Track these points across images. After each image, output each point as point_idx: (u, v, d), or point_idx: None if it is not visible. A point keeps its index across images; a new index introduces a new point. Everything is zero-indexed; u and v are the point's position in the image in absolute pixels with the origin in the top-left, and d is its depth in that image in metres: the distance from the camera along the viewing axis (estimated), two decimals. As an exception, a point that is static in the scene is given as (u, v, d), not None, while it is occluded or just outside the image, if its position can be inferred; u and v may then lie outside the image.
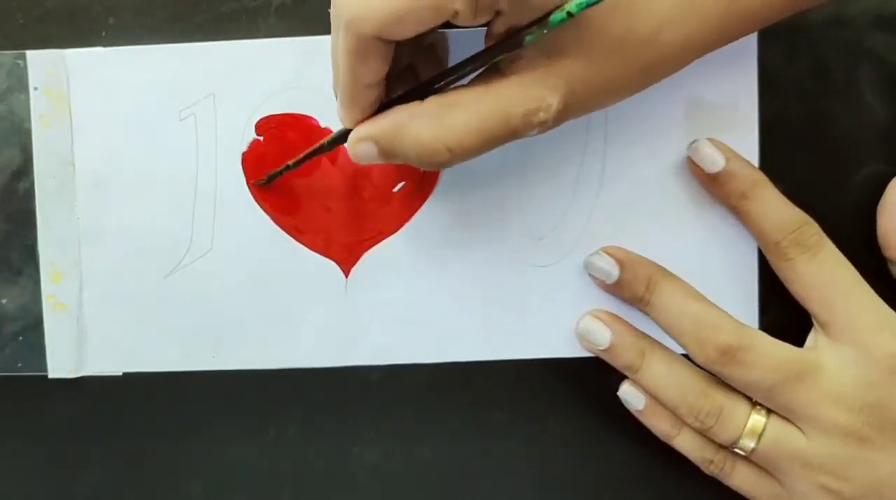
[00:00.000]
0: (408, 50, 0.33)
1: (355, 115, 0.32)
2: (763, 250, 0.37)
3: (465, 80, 0.32)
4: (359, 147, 0.32)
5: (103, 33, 0.39)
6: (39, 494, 0.40)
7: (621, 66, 0.31)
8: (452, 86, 0.32)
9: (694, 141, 0.37)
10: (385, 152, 0.32)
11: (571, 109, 0.31)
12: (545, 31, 0.29)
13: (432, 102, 0.32)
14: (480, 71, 0.32)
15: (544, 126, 0.31)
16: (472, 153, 0.31)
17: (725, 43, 0.33)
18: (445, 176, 0.38)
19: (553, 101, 0.31)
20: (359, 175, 0.39)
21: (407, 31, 0.29)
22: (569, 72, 0.31)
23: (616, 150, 0.38)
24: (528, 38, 0.30)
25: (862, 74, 0.38)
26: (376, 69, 0.31)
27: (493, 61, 0.31)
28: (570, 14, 0.29)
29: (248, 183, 0.38)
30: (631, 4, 0.31)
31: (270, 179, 0.38)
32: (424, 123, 0.31)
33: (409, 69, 0.34)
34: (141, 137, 0.39)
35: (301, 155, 0.36)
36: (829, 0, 0.34)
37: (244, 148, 0.38)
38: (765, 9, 0.32)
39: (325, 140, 0.35)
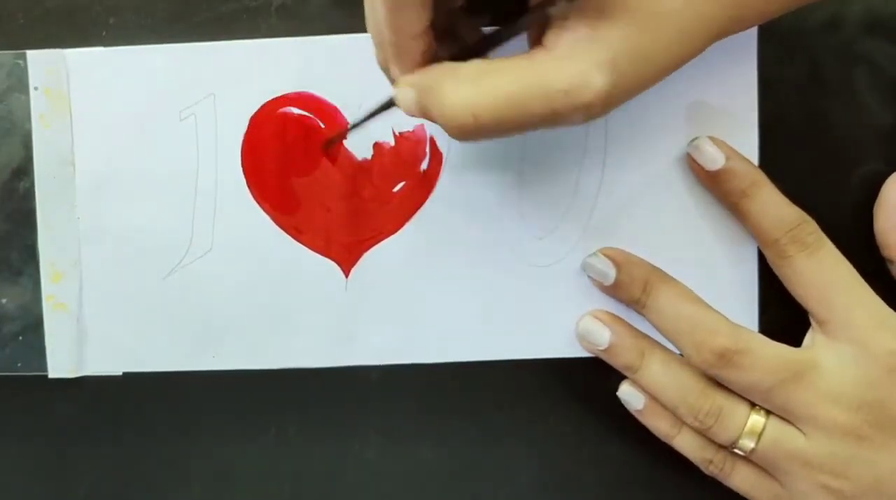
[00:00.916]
0: (446, 12, 0.32)
1: (404, 66, 0.31)
2: (762, 248, 0.37)
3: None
4: (400, 92, 0.32)
5: (103, 33, 0.39)
6: (39, 494, 0.40)
7: (659, 35, 0.30)
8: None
9: (695, 138, 0.37)
10: (421, 106, 0.31)
11: (617, 87, 0.29)
12: None
13: (473, 65, 0.30)
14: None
15: (590, 110, 0.29)
16: (501, 126, 0.30)
17: (736, 31, 0.32)
18: (445, 176, 0.38)
19: (598, 78, 0.29)
20: (359, 175, 0.39)
21: None
22: (612, 42, 0.29)
23: (616, 150, 0.38)
24: None
25: (859, 76, 0.38)
26: (417, 18, 0.30)
27: (539, 27, 0.30)
28: None
29: (322, 148, 0.38)
30: None
31: (336, 139, 0.38)
32: (458, 85, 0.30)
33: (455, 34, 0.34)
34: (141, 137, 0.39)
35: (366, 114, 0.36)
36: None
37: (243, 146, 0.39)
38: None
39: (387, 98, 0.34)
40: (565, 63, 0.29)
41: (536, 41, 0.31)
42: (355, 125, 0.37)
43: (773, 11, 0.33)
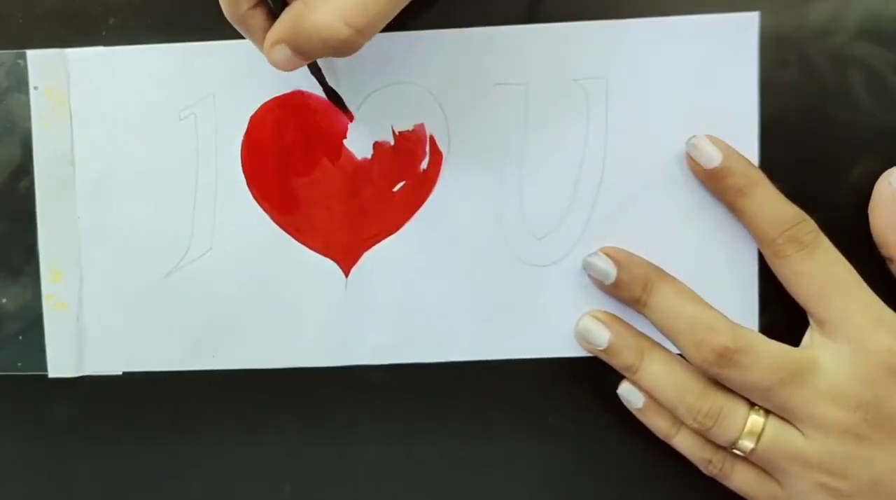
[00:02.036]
0: None
1: (258, 34, 0.33)
2: (760, 247, 0.37)
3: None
4: (273, 54, 0.33)
5: (103, 33, 0.39)
6: (39, 494, 0.40)
7: None
8: None
9: (692, 137, 0.37)
10: (297, 50, 0.32)
11: None
12: None
13: None
14: None
15: None
16: (376, 22, 0.31)
17: None
18: (445, 176, 0.38)
19: None
20: (359, 175, 0.39)
21: None
22: None
23: (616, 150, 0.38)
24: None
25: (856, 78, 0.38)
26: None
27: None
28: None
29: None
30: None
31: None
32: (319, 7, 0.31)
33: None
34: (141, 137, 0.39)
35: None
36: None
37: (243, 146, 0.39)
38: None
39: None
40: None
41: None
42: (333, 97, 0.37)
43: None
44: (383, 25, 0.31)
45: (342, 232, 0.39)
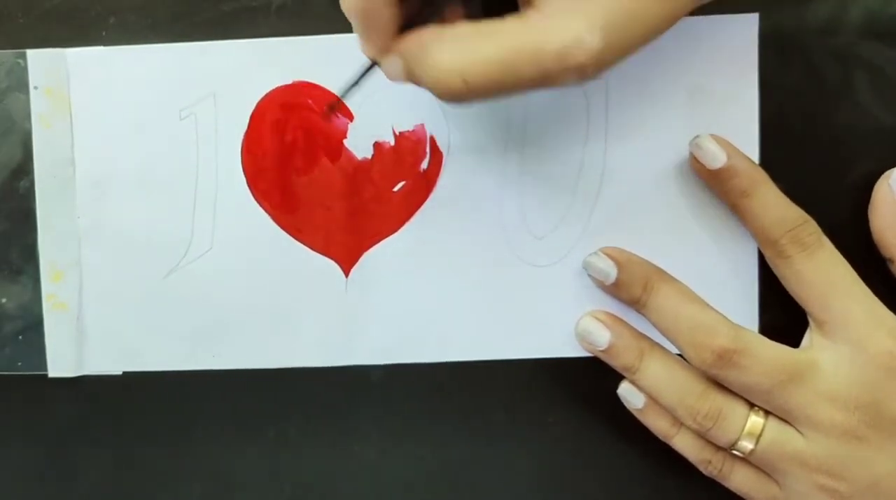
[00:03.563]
0: None
1: (375, 41, 0.31)
2: (761, 248, 0.37)
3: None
4: (387, 62, 0.31)
5: (103, 33, 0.39)
6: (39, 494, 0.40)
7: None
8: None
9: (696, 136, 0.37)
10: (409, 72, 0.31)
11: (610, 48, 0.29)
12: None
13: (462, 26, 0.30)
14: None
15: (583, 72, 0.29)
16: (491, 90, 0.29)
17: None
18: (445, 176, 0.38)
19: (590, 38, 0.28)
20: (359, 175, 0.39)
21: None
22: (605, 2, 0.28)
23: (616, 150, 0.38)
24: None
25: (857, 77, 0.38)
26: None
27: None
28: None
29: (323, 110, 0.38)
30: None
31: (334, 106, 0.38)
32: (447, 47, 0.29)
33: None
34: (141, 137, 0.39)
35: (354, 78, 0.35)
36: None
37: (243, 146, 0.39)
38: None
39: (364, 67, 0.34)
40: (557, 24, 0.28)
41: (526, 1, 0.30)
42: (348, 91, 0.35)
43: None
44: (495, 97, 0.30)
45: (342, 232, 0.39)
